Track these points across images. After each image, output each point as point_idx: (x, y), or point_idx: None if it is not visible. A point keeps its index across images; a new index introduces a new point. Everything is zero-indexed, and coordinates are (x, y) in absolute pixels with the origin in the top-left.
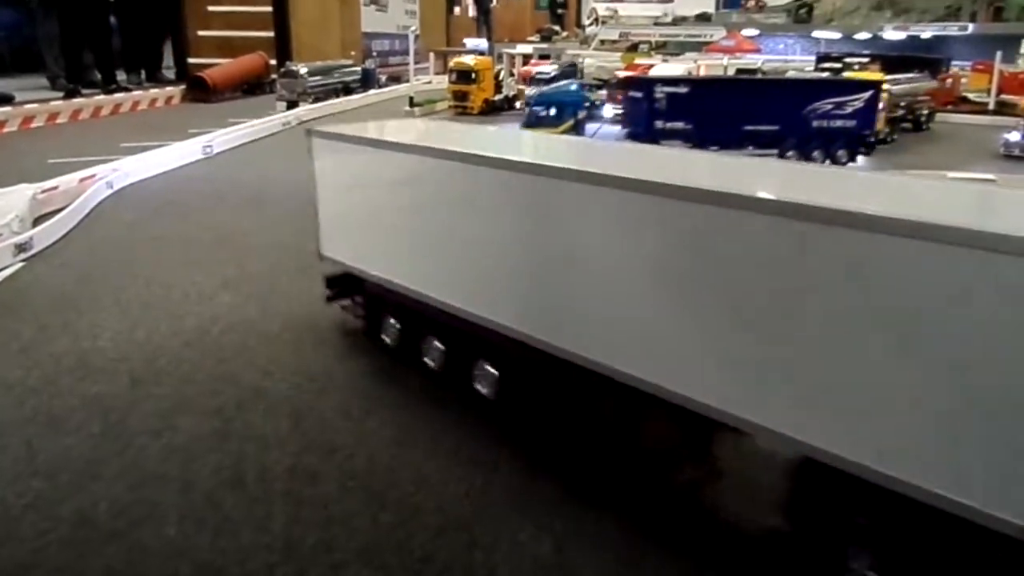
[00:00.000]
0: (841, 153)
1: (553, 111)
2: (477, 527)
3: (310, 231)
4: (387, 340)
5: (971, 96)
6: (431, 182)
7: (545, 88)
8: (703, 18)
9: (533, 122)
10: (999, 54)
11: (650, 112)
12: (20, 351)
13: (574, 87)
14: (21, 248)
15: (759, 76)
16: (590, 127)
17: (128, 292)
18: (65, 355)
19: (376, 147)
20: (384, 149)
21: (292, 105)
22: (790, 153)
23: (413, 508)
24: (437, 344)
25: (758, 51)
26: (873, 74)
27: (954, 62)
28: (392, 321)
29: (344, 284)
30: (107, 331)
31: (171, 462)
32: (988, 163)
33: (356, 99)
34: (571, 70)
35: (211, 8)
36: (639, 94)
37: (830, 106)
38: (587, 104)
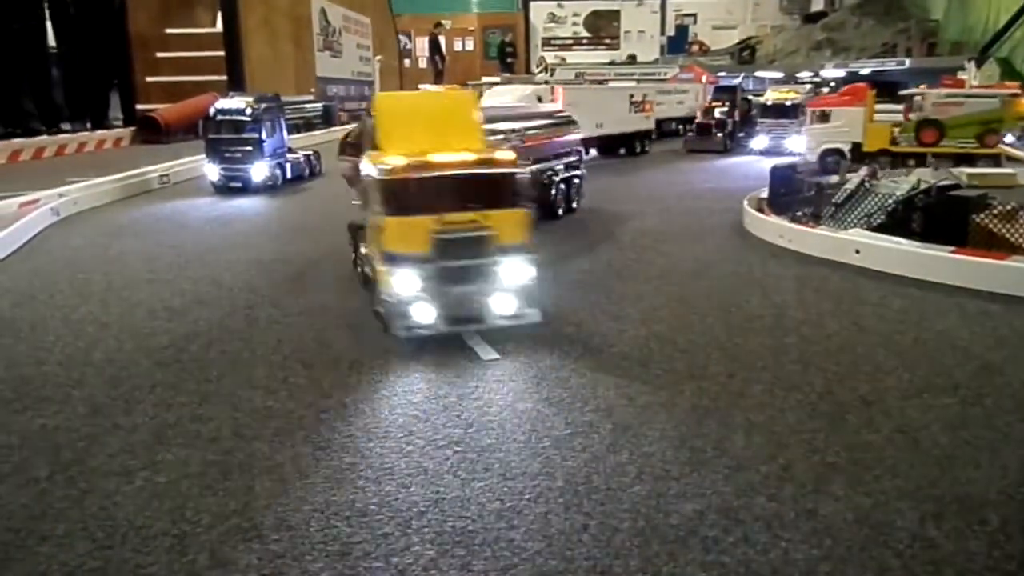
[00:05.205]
0: None
1: None
2: None
3: (290, 247)
4: None
5: None
6: None
7: None
8: (632, 59)
9: None
10: (970, 65)
11: None
12: None
13: None
14: None
15: None
16: None
17: (80, 311)
18: None
19: None
20: None
21: None
22: None
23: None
24: None
25: (717, 83)
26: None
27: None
28: None
29: None
30: (55, 355)
31: (153, 509)
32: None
33: (319, 135)
34: None
35: (160, 54)
36: None
37: None
38: None
